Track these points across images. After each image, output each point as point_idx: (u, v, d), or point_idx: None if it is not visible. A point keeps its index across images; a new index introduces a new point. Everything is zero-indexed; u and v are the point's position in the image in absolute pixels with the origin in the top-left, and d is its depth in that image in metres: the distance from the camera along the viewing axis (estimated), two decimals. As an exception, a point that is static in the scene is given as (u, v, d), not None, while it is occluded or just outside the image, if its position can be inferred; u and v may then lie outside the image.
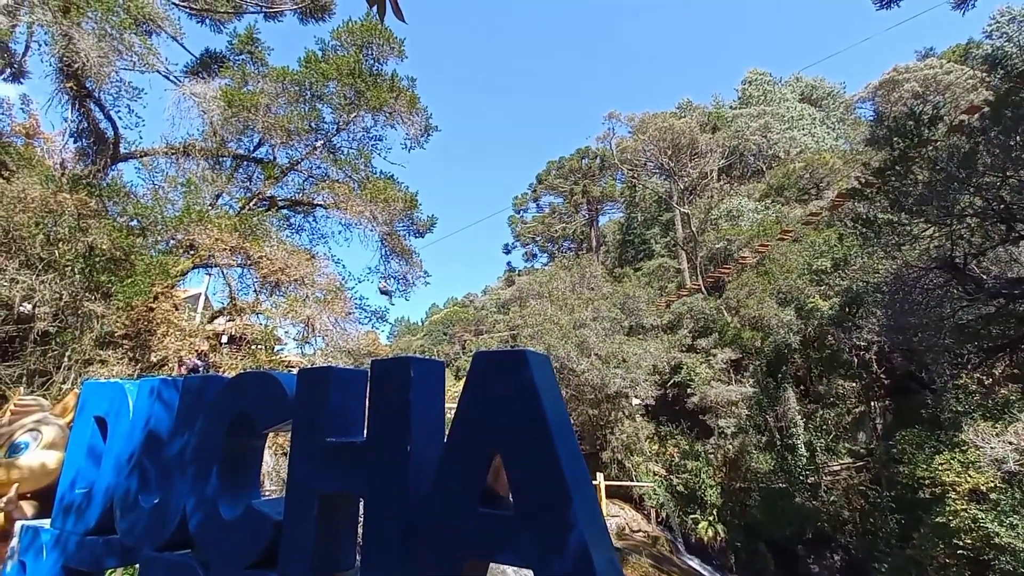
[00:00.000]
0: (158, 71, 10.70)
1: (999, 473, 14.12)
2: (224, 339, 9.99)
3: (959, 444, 15.01)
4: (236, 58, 13.88)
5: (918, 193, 6.18)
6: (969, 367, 12.61)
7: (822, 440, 19.90)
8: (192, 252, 10.15)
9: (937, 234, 6.34)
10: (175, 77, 11.76)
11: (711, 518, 20.70)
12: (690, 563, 20.41)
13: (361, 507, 1.51)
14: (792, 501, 19.35)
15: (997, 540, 13.02)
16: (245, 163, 13.99)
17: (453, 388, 45.58)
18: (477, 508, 1.24)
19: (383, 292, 16.54)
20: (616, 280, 32.79)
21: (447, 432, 1.41)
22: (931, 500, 15.84)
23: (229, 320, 10.40)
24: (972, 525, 13.85)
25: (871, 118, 36.89)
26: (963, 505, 14.34)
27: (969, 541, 13.78)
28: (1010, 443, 10.13)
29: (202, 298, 14.85)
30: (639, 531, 21.28)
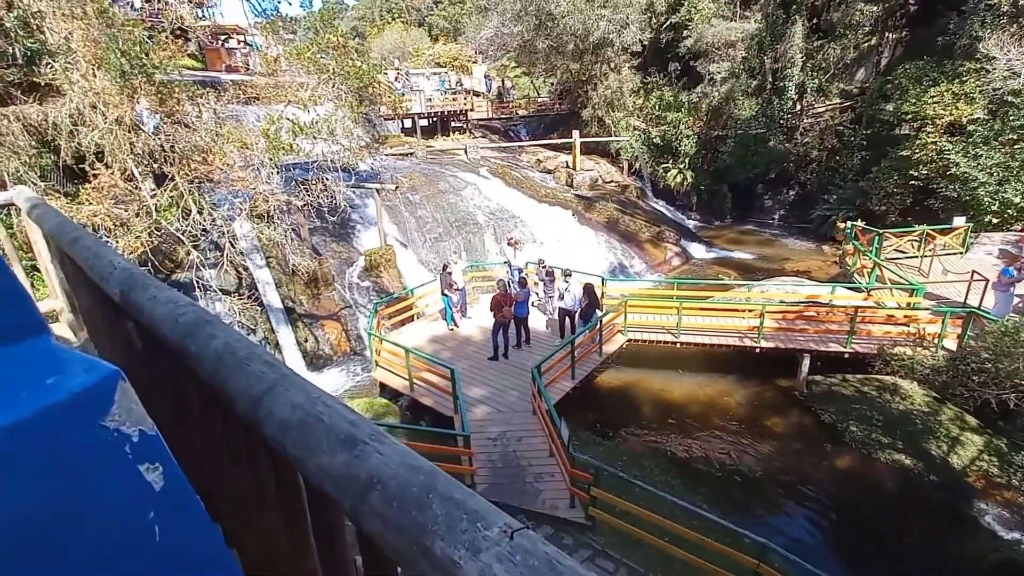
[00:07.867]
0: None
1: (988, 104, 13.59)
2: None
3: (961, 75, 14.01)
4: None
5: None
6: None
7: (816, 80, 18.61)
8: None
9: None
10: None
11: (682, 166, 21.39)
12: (655, 206, 22.24)
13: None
14: (766, 145, 19.54)
15: (954, 170, 13.45)
16: None
17: (430, 50, 38.18)
18: None
19: None
20: None
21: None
22: (904, 136, 15.83)
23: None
24: (935, 157, 14.14)
25: None
26: (935, 138, 14.36)
27: (924, 171, 14.36)
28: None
29: None
30: (611, 182, 22.31)
